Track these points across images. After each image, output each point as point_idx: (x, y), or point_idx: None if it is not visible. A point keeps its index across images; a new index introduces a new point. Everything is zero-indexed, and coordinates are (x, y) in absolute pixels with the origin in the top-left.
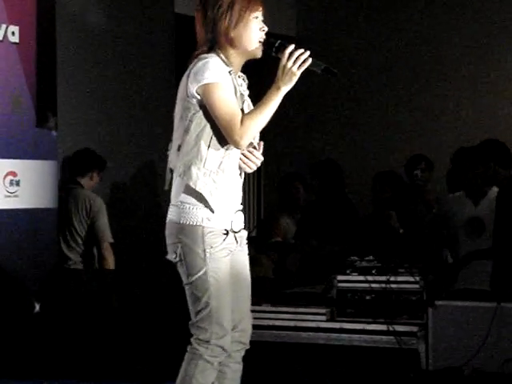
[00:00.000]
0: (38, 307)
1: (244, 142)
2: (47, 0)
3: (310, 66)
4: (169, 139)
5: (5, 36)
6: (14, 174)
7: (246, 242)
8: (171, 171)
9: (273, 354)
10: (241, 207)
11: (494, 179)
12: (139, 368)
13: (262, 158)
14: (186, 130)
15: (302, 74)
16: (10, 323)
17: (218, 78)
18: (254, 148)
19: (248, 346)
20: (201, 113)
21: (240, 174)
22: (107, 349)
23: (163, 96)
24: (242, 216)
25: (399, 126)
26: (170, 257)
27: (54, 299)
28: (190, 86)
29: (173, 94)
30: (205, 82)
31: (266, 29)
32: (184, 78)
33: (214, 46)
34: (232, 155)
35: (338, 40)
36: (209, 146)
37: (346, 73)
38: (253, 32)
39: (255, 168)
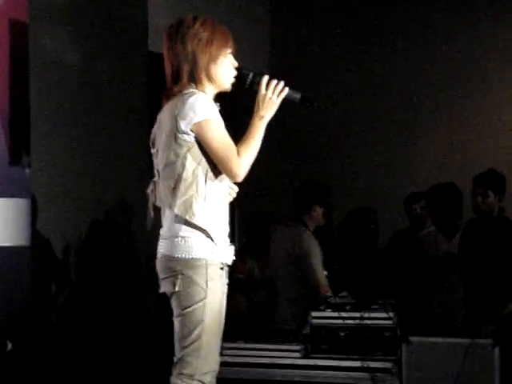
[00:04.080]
0: (10, 346)
1: (242, 173)
2: (20, 39)
3: (288, 95)
4: (144, 177)
5: None
6: None
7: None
8: (155, 209)
9: None
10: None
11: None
12: None
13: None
14: (182, 168)
15: (281, 109)
16: None
17: (210, 113)
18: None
19: None
20: (195, 149)
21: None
22: None
23: (137, 133)
24: (233, 249)
25: (373, 160)
26: (167, 289)
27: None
28: (181, 122)
29: (147, 131)
30: (199, 119)
31: (236, 64)
32: (169, 114)
33: (191, 80)
34: (224, 188)
35: (311, 76)
36: (205, 181)
37: (320, 108)
38: (229, 67)
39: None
